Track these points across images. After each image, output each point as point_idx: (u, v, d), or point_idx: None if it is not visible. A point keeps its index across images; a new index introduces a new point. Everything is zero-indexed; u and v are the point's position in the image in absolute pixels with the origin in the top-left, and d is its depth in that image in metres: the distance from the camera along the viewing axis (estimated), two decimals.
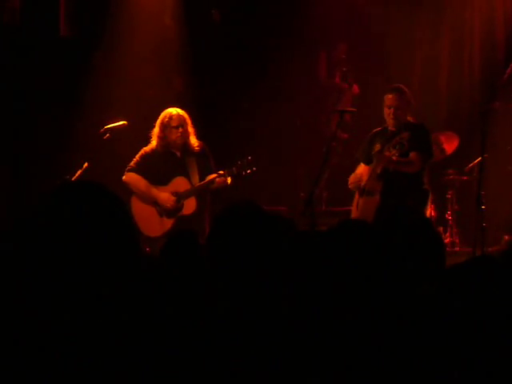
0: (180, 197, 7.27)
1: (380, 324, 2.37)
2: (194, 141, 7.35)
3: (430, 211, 8.95)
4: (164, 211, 7.27)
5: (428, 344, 2.23)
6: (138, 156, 7.40)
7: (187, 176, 7.32)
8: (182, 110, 7.38)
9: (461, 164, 8.96)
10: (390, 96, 7.01)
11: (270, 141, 9.85)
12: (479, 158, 7.57)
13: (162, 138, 7.31)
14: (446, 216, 8.88)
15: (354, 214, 7.10)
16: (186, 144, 7.33)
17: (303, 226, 6.28)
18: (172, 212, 7.27)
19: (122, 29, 9.44)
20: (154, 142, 7.36)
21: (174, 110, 7.33)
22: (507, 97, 8.61)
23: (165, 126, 7.30)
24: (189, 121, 7.34)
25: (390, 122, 7.05)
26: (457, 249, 8.66)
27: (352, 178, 7.18)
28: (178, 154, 7.39)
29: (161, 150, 7.35)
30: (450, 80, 9.91)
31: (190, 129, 7.34)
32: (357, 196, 7.17)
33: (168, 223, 7.26)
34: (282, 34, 9.95)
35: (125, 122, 7.29)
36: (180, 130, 7.26)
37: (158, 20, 9.68)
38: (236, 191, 8.41)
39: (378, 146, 7.08)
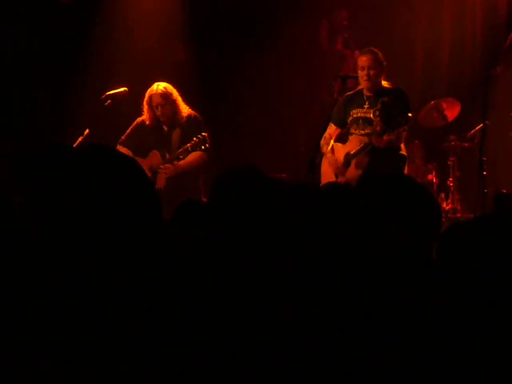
0: (154, 171, 7.31)
1: (373, 290, 2.36)
2: (182, 112, 7.31)
3: (431, 177, 9.00)
4: None
5: (422, 316, 2.22)
6: (130, 128, 7.46)
7: (169, 149, 7.32)
8: (165, 83, 7.29)
9: (462, 130, 8.95)
10: (364, 58, 7.04)
11: (271, 107, 9.83)
12: (481, 124, 7.55)
13: (150, 112, 7.33)
14: (448, 182, 8.89)
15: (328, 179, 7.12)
16: (173, 117, 7.31)
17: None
18: None
19: None
20: (144, 115, 7.39)
21: (155, 88, 7.26)
22: (509, 62, 8.57)
23: (149, 104, 7.31)
24: (173, 94, 7.26)
25: (364, 84, 7.06)
26: (458, 215, 8.68)
27: (323, 141, 7.17)
28: (166, 128, 7.38)
29: (150, 123, 7.37)
30: (452, 46, 9.87)
31: (176, 102, 7.27)
32: (326, 163, 7.22)
33: None
34: (283, 1, 9.90)
35: (126, 89, 7.27)
36: (160, 108, 7.24)
37: None
38: (237, 159, 8.40)
39: (355, 112, 7.09)
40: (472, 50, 9.80)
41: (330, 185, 2.69)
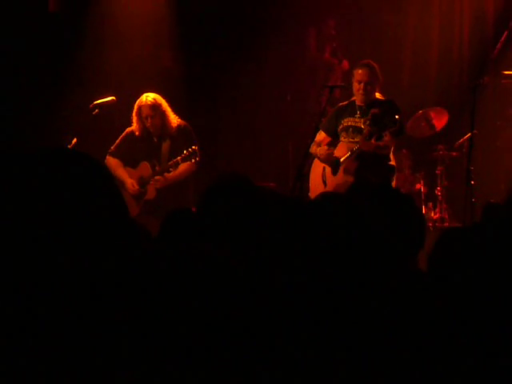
0: (144, 182, 7.30)
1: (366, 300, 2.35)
2: (172, 122, 7.29)
3: (419, 187, 9.01)
4: (131, 196, 7.29)
5: (416, 321, 2.22)
6: (120, 138, 7.46)
7: (158, 160, 7.31)
8: (154, 93, 7.28)
9: (450, 140, 8.96)
10: (360, 71, 7.02)
11: (259, 116, 9.83)
12: (469, 134, 7.56)
13: (139, 123, 7.32)
14: (436, 192, 8.89)
15: (320, 188, 7.10)
16: (162, 128, 7.30)
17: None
18: (137, 197, 7.28)
19: (111, 4, 9.41)
20: (134, 125, 7.39)
21: (144, 99, 7.25)
22: (497, 72, 8.61)
23: (138, 115, 7.30)
24: (162, 105, 7.25)
25: (359, 98, 7.05)
26: (446, 224, 8.68)
27: (313, 144, 7.15)
28: (155, 139, 7.37)
29: (139, 134, 7.36)
30: (439, 56, 9.91)
31: (166, 113, 7.26)
32: (317, 168, 7.22)
33: (137, 208, 7.28)
34: (271, 10, 9.92)
35: (114, 98, 7.26)
36: (149, 120, 7.24)
37: None
38: (226, 168, 8.41)
39: (346, 121, 7.09)
40: (460, 59, 9.84)
41: (324, 195, 2.65)
